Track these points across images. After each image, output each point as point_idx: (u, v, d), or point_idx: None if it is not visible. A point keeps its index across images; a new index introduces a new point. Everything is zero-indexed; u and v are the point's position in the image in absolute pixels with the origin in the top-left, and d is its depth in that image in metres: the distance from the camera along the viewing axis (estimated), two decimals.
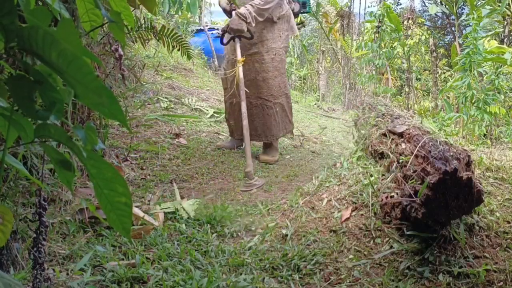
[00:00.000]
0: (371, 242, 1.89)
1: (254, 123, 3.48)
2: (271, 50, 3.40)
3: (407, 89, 9.47)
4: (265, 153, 3.57)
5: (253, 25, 3.20)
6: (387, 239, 1.86)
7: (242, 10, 3.18)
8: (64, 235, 1.89)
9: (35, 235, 1.23)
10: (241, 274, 1.75)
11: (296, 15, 3.73)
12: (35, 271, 1.20)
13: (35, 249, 1.21)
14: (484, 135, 4.93)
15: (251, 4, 3.21)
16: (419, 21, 11.14)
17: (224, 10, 3.45)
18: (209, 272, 1.72)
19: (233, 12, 3.27)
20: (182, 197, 2.59)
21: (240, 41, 3.27)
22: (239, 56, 3.22)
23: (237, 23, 3.16)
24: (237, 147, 3.71)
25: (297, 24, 3.93)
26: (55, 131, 0.72)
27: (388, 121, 2.58)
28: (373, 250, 1.84)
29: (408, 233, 1.84)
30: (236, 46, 3.26)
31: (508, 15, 6.57)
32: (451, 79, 7.55)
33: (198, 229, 2.19)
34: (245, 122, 3.01)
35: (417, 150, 1.89)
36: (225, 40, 3.40)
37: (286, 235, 2.07)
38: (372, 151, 2.55)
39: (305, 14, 4.04)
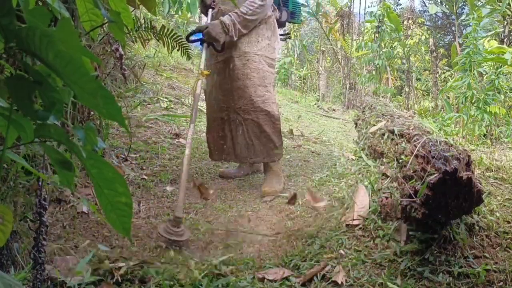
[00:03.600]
0: (371, 242, 1.89)
1: (225, 139, 2.96)
2: (244, 55, 2.79)
3: (407, 89, 9.48)
4: (265, 182, 2.90)
5: (235, 39, 2.73)
6: (387, 239, 1.86)
7: (226, 19, 2.68)
8: (65, 236, 1.89)
9: (35, 235, 1.23)
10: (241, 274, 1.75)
11: (283, 24, 3.25)
12: (35, 271, 1.20)
13: (35, 249, 1.21)
14: (484, 135, 4.93)
15: (236, 13, 2.70)
16: (419, 21, 11.15)
17: (202, 2, 2.91)
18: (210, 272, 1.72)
19: (209, 12, 2.82)
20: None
21: (208, 48, 2.74)
22: (202, 66, 2.61)
23: (217, 31, 2.65)
24: (246, 174, 3.22)
25: (283, 34, 3.46)
26: (55, 131, 0.72)
27: (388, 121, 2.59)
28: (373, 250, 1.84)
29: (408, 233, 1.84)
30: (202, 52, 2.70)
31: (508, 15, 6.57)
32: (451, 79, 7.55)
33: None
34: (188, 151, 2.35)
35: (417, 150, 1.89)
36: (191, 38, 2.88)
37: (287, 235, 2.07)
38: (372, 151, 2.55)
39: (296, 19, 3.34)
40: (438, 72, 9.11)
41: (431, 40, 9.60)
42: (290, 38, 3.40)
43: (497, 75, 4.89)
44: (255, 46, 2.82)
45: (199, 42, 2.75)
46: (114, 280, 1.59)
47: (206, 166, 3.25)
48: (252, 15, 2.73)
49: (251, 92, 2.77)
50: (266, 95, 2.82)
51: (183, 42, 3.56)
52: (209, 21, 2.77)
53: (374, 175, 2.25)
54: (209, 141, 3.06)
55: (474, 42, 4.71)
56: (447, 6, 10.10)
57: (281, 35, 3.24)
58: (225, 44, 2.74)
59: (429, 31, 11.53)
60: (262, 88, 2.81)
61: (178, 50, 3.61)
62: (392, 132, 2.33)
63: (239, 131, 2.85)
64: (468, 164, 1.78)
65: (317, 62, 11.48)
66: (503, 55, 4.95)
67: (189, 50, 3.73)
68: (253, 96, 2.78)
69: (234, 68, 2.80)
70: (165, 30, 3.44)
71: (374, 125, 2.69)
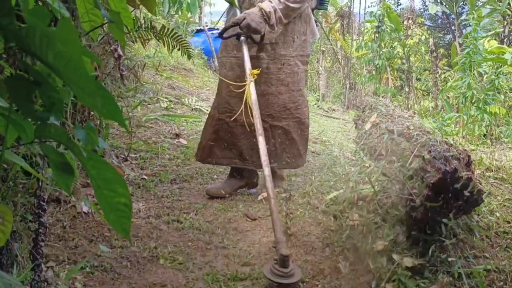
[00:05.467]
0: (371, 242, 1.88)
1: (239, 144, 2.62)
2: (279, 58, 2.52)
3: (407, 89, 9.47)
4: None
5: (275, 29, 2.41)
6: (387, 239, 1.86)
7: (266, 5, 2.34)
8: (65, 236, 1.89)
9: (34, 235, 1.23)
10: (242, 274, 1.75)
11: (311, 11, 2.89)
12: (34, 272, 1.20)
13: (34, 250, 1.21)
14: (484, 135, 4.93)
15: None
16: (419, 21, 11.14)
17: None
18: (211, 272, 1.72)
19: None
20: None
21: (245, 41, 2.40)
22: (248, 66, 2.27)
23: (258, 21, 2.30)
24: (233, 191, 2.75)
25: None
26: (55, 131, 0.72)
27: (388, 121, 2.58)
28: (373, 250, 1.83)
29: (408, 233, 1.83)
30: (243, 48, 2.36)
31: (508, 15, 6.57)
32: (451, 79, 7.55)
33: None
34: (267, 170, 1.99)
35: (417, 150, 1.89)
36: (226, 34, 2.51)
37: (287, 235, 2.07)
38: (372, 151, 2.55)
39: (324, 5, 3.00)
40: (438, 72, 9.10)
41: (431, 40, 9.59)
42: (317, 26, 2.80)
43: (497, 75, 4.89)
44: (291, 46, 2.55)
45: (237, 37, 2.42)
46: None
47: (206, 166, 3.24)
48: (295, 2, 2.40)
49: (285, 98, 2.58)
50: (299, 99, 2.62)
51: (183, 42, 3.56)
52: (238, 8, 2.52)
53: (374, 175, 2.24)
54: (201, 139, 2.75)
55: (474, 42, 4.71)
56: (447, 6, 10.10)
57: None
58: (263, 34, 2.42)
59: (429, 31, 11.53)
60: (296, 93, 2.61)
61: (178, 49, 3.60)
62: (392, 132, 2.33)
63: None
64: (468, 164, 1.78)
65: (317, 62, 11.47)
66: (503, 55, 4.95)
67: (190, 50, 3.73)
68: (287, 103, 2.58)
69: (267, 72, 2.53)
70: (165, 30, 3.44)
71: (375, 125, 2.69)
